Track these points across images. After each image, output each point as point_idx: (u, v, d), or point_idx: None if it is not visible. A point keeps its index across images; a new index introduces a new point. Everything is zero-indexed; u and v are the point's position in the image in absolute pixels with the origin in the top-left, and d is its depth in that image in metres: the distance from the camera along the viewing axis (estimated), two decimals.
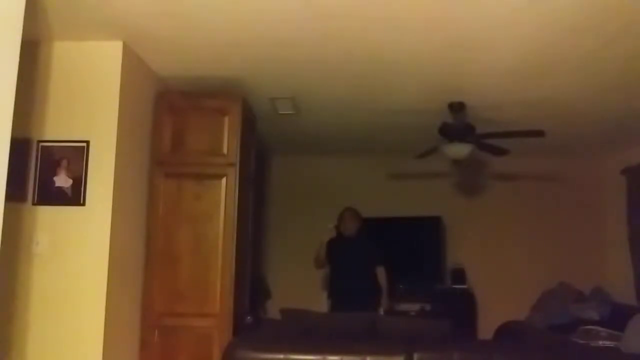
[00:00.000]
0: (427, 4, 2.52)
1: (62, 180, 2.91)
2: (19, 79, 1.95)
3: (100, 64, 3.02)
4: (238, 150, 3.51)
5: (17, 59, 1.96)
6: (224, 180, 3.46)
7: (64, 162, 2.92)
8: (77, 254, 2.87)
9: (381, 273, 4.55)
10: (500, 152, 4.42)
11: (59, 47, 2.99)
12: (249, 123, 3.86)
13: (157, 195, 3.45)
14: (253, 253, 4.27)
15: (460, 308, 5.42)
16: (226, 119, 3.51)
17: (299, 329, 2.77)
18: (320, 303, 5.35)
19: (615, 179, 5.46)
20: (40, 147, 2.92)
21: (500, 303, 5.43)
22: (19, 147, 2.71)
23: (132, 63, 3.16)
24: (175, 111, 3.54)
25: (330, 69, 3.43)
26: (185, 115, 3.54)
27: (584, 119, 4.47)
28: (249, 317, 3.75)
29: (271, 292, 5.72)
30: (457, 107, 3.98)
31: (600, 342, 3.94)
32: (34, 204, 2.90)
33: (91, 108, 2.97)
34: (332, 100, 4.12)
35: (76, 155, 2.92)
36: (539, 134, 3.91)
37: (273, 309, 5.29)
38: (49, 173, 2.91)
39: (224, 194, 3.44)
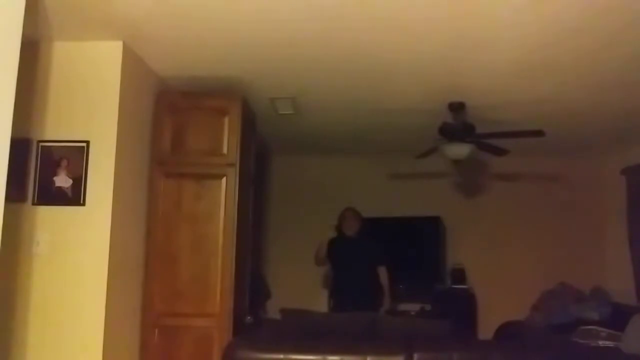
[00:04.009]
0: (427, 4, 2.52)
1: (62, 180, 2.91)
2: (19, 79, 1.96)
3: (100, 64, 3.02)
4: (238, 150, 3.51)
5: (17, 59, 1.96)
6: (224, 180, 3.46)
7: (64, 162, 2.92)
8: (77, 254, 2.87)
9: (382, 273, 4.56)
10: (500, 152, 4.42)
11: (59, 47, 2.99)
12: (249, 123, 3.86)
13: (157, 195, 3.45)
14: (253, 253, 4.27)
15: (460, 308, 5.41)
16: (226, 119, 3.51)
17: (299, 329, 2.77)
18: (320, 303, 5.36)
19: (615, 179, 5.46)
20: (40, 147, 2.92)
21: (500, 303, 5.43)
22: (19, 147, 2.71)
23: (132, 63, 3.16)
24: (175, 111, 3.54)
25: (330, 69, 3.42)
26: (185, 115, 3.54)
27: (584, 119, 4.47)
28: (249, 317, 3.75)
29: (271, 292, 5.72)
30: (457, 107, 3.98)
31: (600, 342, 3.94)
32: (34, 204, 2.89)
33: (91, 108, 2.97)
34: (332, 100, 4.12)
35: (76, 155, 2.92)
36: (539, 134, 3.91)
37: (273, 309, 5.28)
38: (49, 173, 2.91)
39: (224, 194, 3.44)
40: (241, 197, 3.55)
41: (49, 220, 2.88)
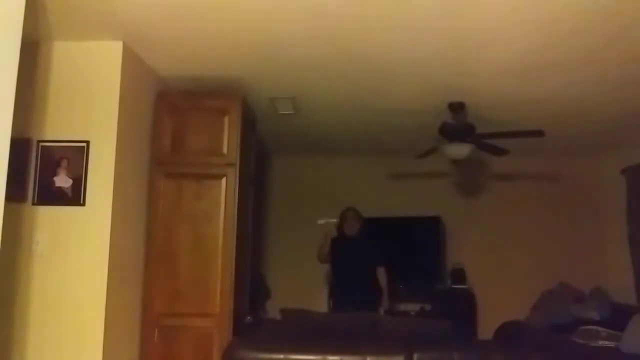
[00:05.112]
0: (427, 4, 2.52)
1: (62, 180, 2.91)
2: (19, 79, 1.95)
3: (100, 64, 3.02)
4: (238, 150, 3.51)
5: (17, 59, 1.96)
6: (224, 180, 3.46)
7: (64, 162, 2.92)
8: (77, 254, 2.87)
9: (381, 274, 4.56)
10: (500, 152, 4.42)
11: (59, 47, 2.99)
12: (249, 123, 3.86)
13: (157, 195, 3.45)
14: (253, 253, 4.27)
15: (460, 308, 5.42)
16: (226, 119, 3.51)
17: (299, 329, 2.77)
18: (320, 303, 5.35)
19: (615, 179, 5.46)
20: (40, 147, 2.92)
21: (500, 303, 5.43)
22: (19, 147, 2.71)
23: (132, 63, 3.16)
24: (175, 111, 3.54)
25: (330, 69, 3.42)
26: (185, 115, 3.54)
27: (584, 119, 4.47)
28: (249, 317, 3.75)
29: (271, 292, 5.72)
30: (457, 107, 3.98)
31: (600, 342, 3.95)
32: (34, 204, 2.89)
33: (91, 108, 2.97)
34: (332, 100, 4.12)
35: (76, 155, 2.92)
36: (539, 134, 3.91)
37: (273, 309, 5.29)
38: (49, 173, 2.91)
39: (224, 194, 3.44)
40: (241, 197, 3.55)
41: (49, 220, 2.88)
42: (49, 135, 2.94)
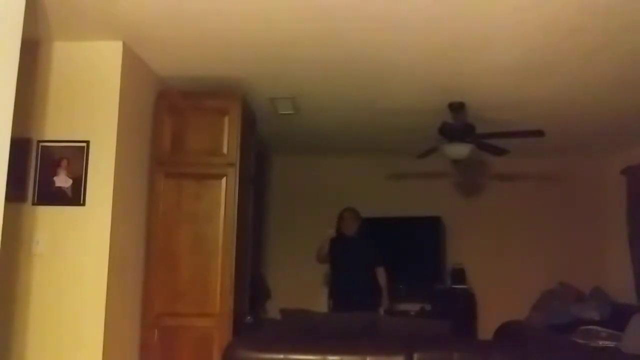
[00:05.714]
0: (427, 4, 2.53)
1: (62, 180, 2.91)
2: (19, 79, 1.96)
3: (100, 64, 3.02)
4: (238, 150, 3.51)
5: (17, 59, 1.96)
6: (224, 180, 3.46)
7: (64, 162, 2.92)
8: (77, 254, 2.87)
9: (380, 273, 4.56)
10: (500, 152, 4.42)
11: (59, 47, 2.99)
12: (249, 123, 3.86)
13: (157, 195, 3.45)
14: (253, 253, 4.27)
15: (460, 308, 5.42)
16: (226, 119, 3.51)
17: (299, 329, 2.77)
18: (320, 303, 5.35)
19: (615, 179, 5.47)
20: (40, 147, 2.92)
21: (500, 303, 5.43)
22: (19, 147, 2.71)
23: (132, 63, 3.16)
24: (175, 111, 3.54)
25: (330, 69, 3.42)
26: (185, 115, 3.54)
27: (584, 119, 4.48)
28: (249, 317, 3.76)
29: (271, 292, 5.72)
30: (457, 107, 3.98)
31: (600, 342, 3.95)
32: (34, 204, 2.89)
33: (91, 108, 2.97)
34: (332, 100, 4.12)
35: (76, 155, 2.92)
36: (539, 134, 3.91)
37: (273, 309, 5.29)
38: (49, 173, 2.91)
39: (224, 194, 3.44)
40: (241, 197, 3.55)
41: (49, 220, 2.88)
42: (49, 135, 2.93)
